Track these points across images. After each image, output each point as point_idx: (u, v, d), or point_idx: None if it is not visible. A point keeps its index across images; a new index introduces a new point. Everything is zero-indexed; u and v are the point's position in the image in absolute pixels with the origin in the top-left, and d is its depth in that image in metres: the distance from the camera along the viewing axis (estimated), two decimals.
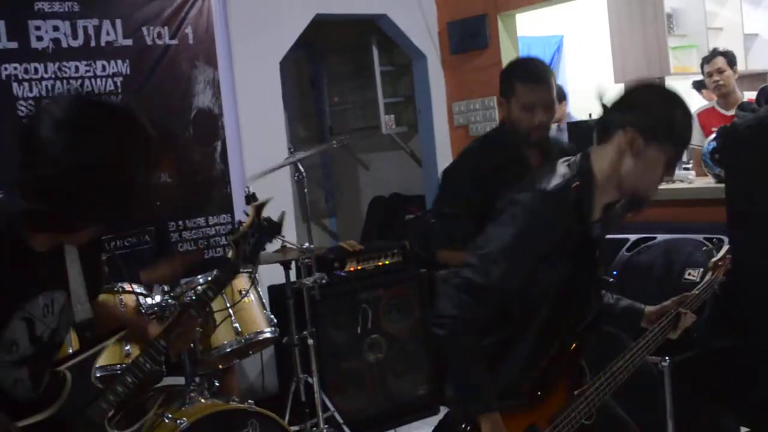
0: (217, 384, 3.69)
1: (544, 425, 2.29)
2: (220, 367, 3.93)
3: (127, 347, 3.36)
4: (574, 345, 2.37)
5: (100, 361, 2.50)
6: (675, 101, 2.27)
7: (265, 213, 2.69)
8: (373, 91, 7.24)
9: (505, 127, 3.29)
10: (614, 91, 2.34)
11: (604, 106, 2.29)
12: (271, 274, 4.85)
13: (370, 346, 5.11)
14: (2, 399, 2.27)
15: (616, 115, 2.26)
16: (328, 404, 4.53)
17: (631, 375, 2.40)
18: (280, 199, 4.05)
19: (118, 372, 2.53)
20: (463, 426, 2.22)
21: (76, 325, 2.48)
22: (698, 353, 3.46)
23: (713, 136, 4.59)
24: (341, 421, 4.57)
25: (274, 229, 2.64)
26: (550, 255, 2.23)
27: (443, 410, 5.02)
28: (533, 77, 3.14)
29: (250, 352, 4.08)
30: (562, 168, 2.31)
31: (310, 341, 4.14)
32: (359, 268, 5.13)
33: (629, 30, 6.38)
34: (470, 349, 2.19)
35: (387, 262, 5.24)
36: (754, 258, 3.28)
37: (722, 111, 5.50)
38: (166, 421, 3.34)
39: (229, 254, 2.65)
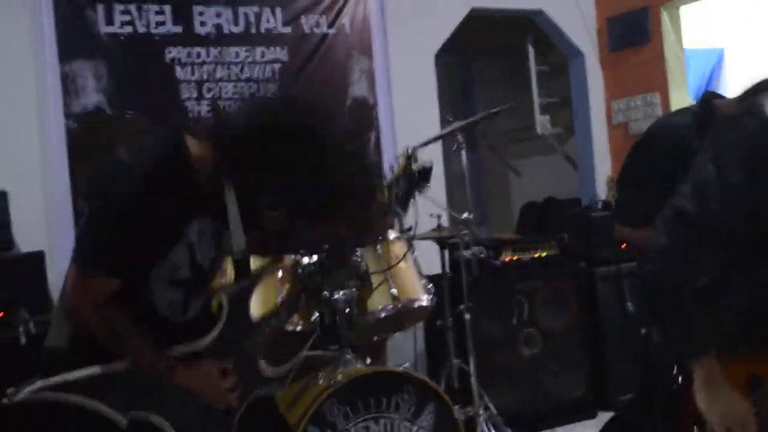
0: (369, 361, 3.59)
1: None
2: (375, 339, 3.83)
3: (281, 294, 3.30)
4: None
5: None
6: None
7: None
8: (525, 93, 7.09)
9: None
10: None
11: None
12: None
13: (525, 340, 4.90)
14: (155, 323, 2.23)
15: None
16: (483, 395, 4.34)
17: None
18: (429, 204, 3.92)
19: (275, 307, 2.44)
20: (674, 372, 2.00)
21: (233, 255, 2.44)
22: None
23: None
24: (495, 412, 4.37)
25: (424, 174, 2.53)
26: None
27: (602, 415, 4.86)
28: None
29: (405, 325, 3.95)
30: None
31: (467, 316, 3.96)
32: (515, 258, 4.95)
33: None
34: (684, 287, 1.97)
35: (543, 254, 5.04)
36: None
37: None
38: (320, 381, 3.26)
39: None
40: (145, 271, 2.19)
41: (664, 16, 5.92)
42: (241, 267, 2.40)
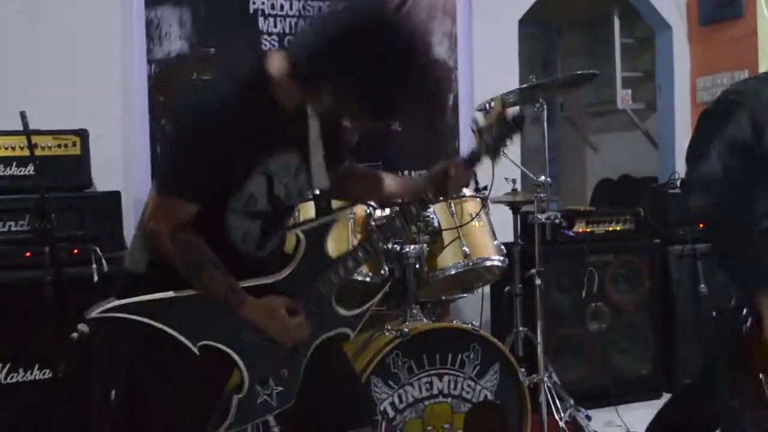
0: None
1: None
2: (443, 298, 3.80)
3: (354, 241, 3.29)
4: None
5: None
6: None
7: None
8: (609, 66, 6.94)
9: None
10: None
11: None
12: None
13: (594, 314, 4.82)
14: (230, 254, 2.23)
15: None
16: (549, 366, 4.28)
17: None
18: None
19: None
20: (743, 314, 1.94)
21: (314, 193, 2.43)
22: None
23: None
24: (560, 384, 4.30)
25: (518, 122, 2.47)
26: None
27: (666, 396, 4.76)
28: None
29: (475, 285, 3.91)
30: None
31: (538, 281, 3.89)
32: (588, 230, 4.87)
33: None
34: (744, 217, 1.91)
35: (618, 228, 4.94)
36: None
37: None
38: (386, 333, 3.25)
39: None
40: (223, 198, 2.19)
41: None
42: (322, 207, 2.40)
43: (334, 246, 2.41)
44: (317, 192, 2.41)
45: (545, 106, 3.93)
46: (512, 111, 2.48)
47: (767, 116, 1.94)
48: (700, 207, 1.98)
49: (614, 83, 6.95)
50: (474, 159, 2.45)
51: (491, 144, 2.43)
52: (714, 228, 1.99)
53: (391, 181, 2.58)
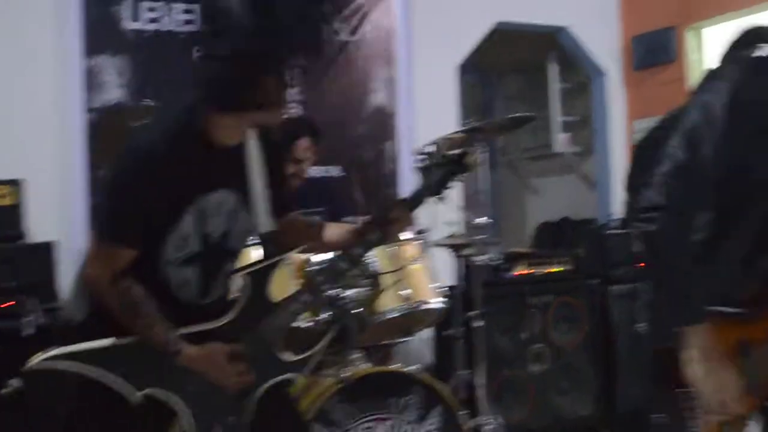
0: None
1: (757, 344, 2.01)
2: (383, 342, 3.80)
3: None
4: None
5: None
6: None
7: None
8: (548, 111, 7.07)
9: None
10: None
11: None
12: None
13: (535, 356, 4.86)
14: (170, 302, 2.23)
15: None
16: (492, 408, 4.28)
17: None
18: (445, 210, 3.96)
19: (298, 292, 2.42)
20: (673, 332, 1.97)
21: (258, 237, 2.42)
22: None
23: None
24: (504, 426, 4.31)
25: (461, 163, 2.49)
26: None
27: None
28: None
29: (415, 329, 3.91)
30: None
31: (478, 324, 3.91)
32: (529, 272, 4.92)
33: None
34: (682, 247, 1.95)
35: (559, 269, 5.00)
36: None
37: None
38: (327, 379, 3.23)
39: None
40: (158, 241, 2.18)
41: (689, 37, 5.90)
42: (268, 252, 2.39)
43: (276, 290, 2.41)
44: (262, 236, 2.40)
45: (485, 150, 3.98)
46: (454, 152, 2.51)
47: (699, 129, 1.98)
48: (644, 235, 2.01)
49: (552, 127, 7.06)
50: (417, 200, 2.47)
51: (434, 185, 2.46)
52: (654, 257, 2.02)
53: (333, 229, 2.59)
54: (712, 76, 2.13)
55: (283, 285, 3.23)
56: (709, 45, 6.04)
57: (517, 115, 3.92)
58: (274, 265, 2.37)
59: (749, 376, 1.99)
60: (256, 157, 2.32)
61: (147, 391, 2.16)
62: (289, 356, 2.39)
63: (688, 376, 1.95)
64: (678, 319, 1.96)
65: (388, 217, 2.41)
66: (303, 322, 3.32)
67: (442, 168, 2.46)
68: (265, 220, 2.36)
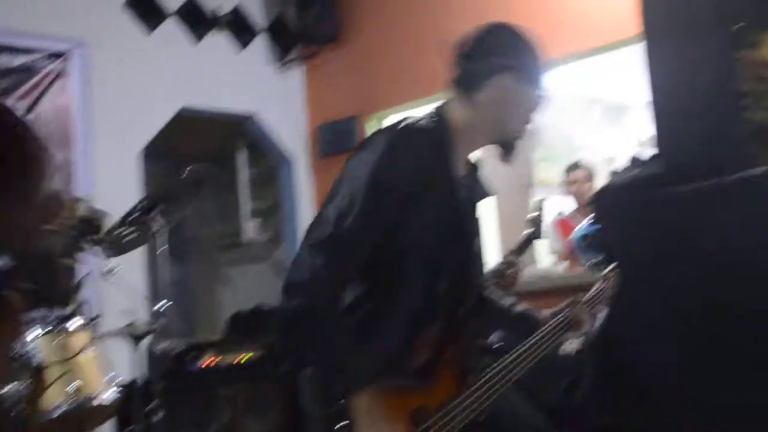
0: None
1: (433, 411, 1.99)
2: None
3: None
4: (458, 331, 2.15)
5: None
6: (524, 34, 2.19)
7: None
8: (237, 199, 7.01)
9: None
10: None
11: (461, 57, 2.16)
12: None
13: None
14: None
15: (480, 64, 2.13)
16: None
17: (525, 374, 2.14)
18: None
19: None
20: (340, 400, 1.88)
21: None
22: None
23: (583, 224, 4.52)
24: None
25: (93, 222, 2.31)
26: (409, 201, 2.00)
27: None
28: None
29: (87, 427, 3.57)
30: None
31: (157, 417, 3.65)
32: (217, 361, 4.74)
33: None
34: (331, 317, 1.90)
35: (248, 356, 4.86)
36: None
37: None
38: None
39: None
40: None
41: (371, 126, 6.13)
42: None
43: None
44: None
45: (163, 228, 3.80)
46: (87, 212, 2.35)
47: (345, 201, 1.98)
48: (292, 310, 1.94)
49: (242, 215, 7.01)
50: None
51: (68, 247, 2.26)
52: (299, 335, 1.96)
53: None
54: (360, 146, 2.16)
55: None
56: None
57: (191, 168, 3.81)
58: None
59: None
60: None
61: None
62: None
63: None
64: (338, 386, 1.90)
65: None
66: None
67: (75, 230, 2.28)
68: None
